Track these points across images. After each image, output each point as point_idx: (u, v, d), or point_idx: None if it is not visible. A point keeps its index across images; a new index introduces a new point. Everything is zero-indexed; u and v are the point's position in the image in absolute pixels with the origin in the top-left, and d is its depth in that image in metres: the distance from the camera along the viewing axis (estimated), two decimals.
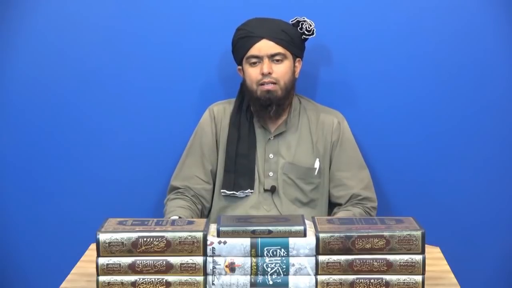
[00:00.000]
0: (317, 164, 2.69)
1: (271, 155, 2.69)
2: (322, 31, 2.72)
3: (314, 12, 2.78)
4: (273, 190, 2.68)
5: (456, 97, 2.87)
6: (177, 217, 2.50)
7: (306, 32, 2.67)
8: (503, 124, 2.87)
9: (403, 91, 2.87)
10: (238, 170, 2.67)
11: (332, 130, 2.71)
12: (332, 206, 2.75)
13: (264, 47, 2.61)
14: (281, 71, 2.62)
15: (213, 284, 1.92)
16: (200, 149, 2.73)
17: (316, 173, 2.69)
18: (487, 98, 2.86)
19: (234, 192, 2.67)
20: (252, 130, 2.69)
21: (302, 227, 1.91)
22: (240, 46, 2.64)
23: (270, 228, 1.91)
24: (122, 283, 1.91)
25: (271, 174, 2.68)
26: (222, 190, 2.68)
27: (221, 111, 2.74)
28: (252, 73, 2.62)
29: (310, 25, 2.67)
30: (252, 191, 2.67)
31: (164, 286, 1.91)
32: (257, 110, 2.66)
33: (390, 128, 2.89)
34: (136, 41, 2.87)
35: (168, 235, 1.91)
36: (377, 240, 1.91)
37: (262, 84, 2.61)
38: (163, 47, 2.87)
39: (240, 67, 2.69)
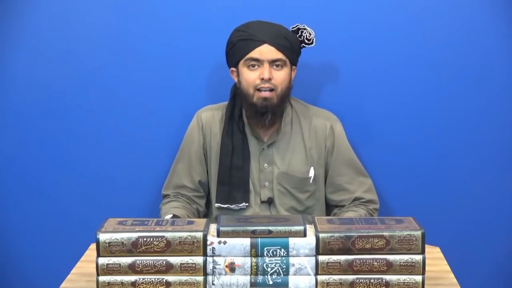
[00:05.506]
0: (311, 173, 2.65)
1: (265, 165, 2.64)
2: (319, 32, 2.71)
3: (311, 13, 2.79)
4: (270, 201, 2.64)
5: (456, 97, 2.87)
6: (171, 215, 2.50)
7: (306, 41, 2.63)
8: (503, 124, 2.87)
9: (402, 91, 2.87)
10: (233, 182, 2.62)
11: (325, 135, 2.66)
12: (331, 208, 2.73)
13: (266, 51, 2.55)
14: (281, 77, 2.56)
15: (213, 284, 1.92)
16: (188, 157, 2.69)
17: (311, 181, 2.66)
18: (487, 98, 2.86)
19: (229, 205, 2.62)
20: (245, 140, 2.64)
21: (302, 227, 1.91)
22: (240, 47, 2.57)
23: (270, 228, 1.91)
24: (122, 283, 1.91)
25: (267, 184, 2.64)
26: (216, 204, 2.64)
27: (209, 118, 2.69)
28: (251, 76, 2.56)
29: (310, 34, 2.63)
30: (246, 204, 2.63)
31: (164, 286, 1.91)
32: (252, 117, 2.61)
33: (390, 128, 2.89)
34: (135, 42, 2.86)
35: (168, 235, 1.91)
36: (377, 240, 1.91)
37: (259, 90, 2.55)
38: (160, 48, 2.86)
39: (234, 69, 2.63)
